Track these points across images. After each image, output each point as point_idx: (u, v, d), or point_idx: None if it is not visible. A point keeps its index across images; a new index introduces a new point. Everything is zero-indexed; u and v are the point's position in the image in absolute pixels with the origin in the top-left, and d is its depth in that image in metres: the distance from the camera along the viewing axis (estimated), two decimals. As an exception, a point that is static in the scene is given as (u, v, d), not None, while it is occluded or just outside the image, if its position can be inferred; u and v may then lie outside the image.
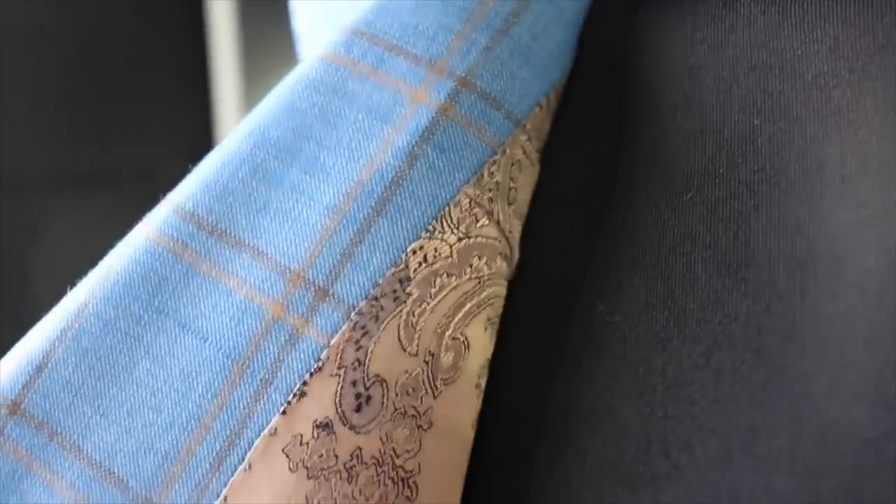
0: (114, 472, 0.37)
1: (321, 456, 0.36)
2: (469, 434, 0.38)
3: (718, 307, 0.36)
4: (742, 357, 0.34)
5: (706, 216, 0.37)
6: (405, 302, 0.37)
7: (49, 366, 0.38)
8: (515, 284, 0.41)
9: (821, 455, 0.31)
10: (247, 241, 0.38)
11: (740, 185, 0.37)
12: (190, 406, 0.37)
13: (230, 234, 0.38)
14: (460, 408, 0.38)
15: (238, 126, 0.41)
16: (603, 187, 0.41)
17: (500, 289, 0.39)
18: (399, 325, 0.37)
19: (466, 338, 0.38)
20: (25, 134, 0.57)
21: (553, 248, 0.41)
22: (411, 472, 0.37)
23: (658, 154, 0.40)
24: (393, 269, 0.37)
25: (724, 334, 0.35)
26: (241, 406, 0.37)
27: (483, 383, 0.39)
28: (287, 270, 0.37)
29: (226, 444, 0.36)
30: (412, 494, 0.36)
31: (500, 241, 0.39)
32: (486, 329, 0.39)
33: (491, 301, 0.39)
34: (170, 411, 0.37)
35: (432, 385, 0.37)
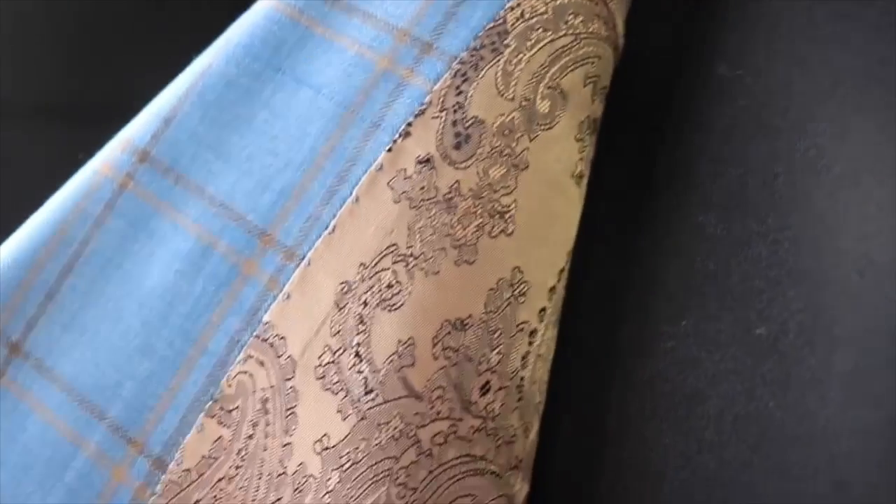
0: (233, 209, 0.40)
1: (423, 188, 0.38)
2: (569, 185, 0.40)
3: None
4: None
5: None
6: (503, 52, 0.39)
7: (176, 119, 0.41)
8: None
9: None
10: (358, 7, 0.41)
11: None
12: (304, 149, 0.40)
13: (343, 0, 0.41)
14: (557, 155, 0.39)
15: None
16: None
17: (599, 50, 0.41)
18: (497, 73, 0.39)
19: (563, 90, 0.40)
20: (36, 63, 0.62)
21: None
22: (507, 207, 0.38)
23: None
24: (492, 24, 0.40)
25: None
26: (351, 147, 0.39)
27: (587, 140, 0.40)
28: (395, 29, 0.40)
29: (336, 180, 0.39)
30: (507, 228, 0.38)
31: (597, 5, 0.41)
32: (585, 85, 0.40)
33: (589, 59, 0.40)
34: (285, 155, 0.40)
35: (528, 129, 0.39)
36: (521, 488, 0.39)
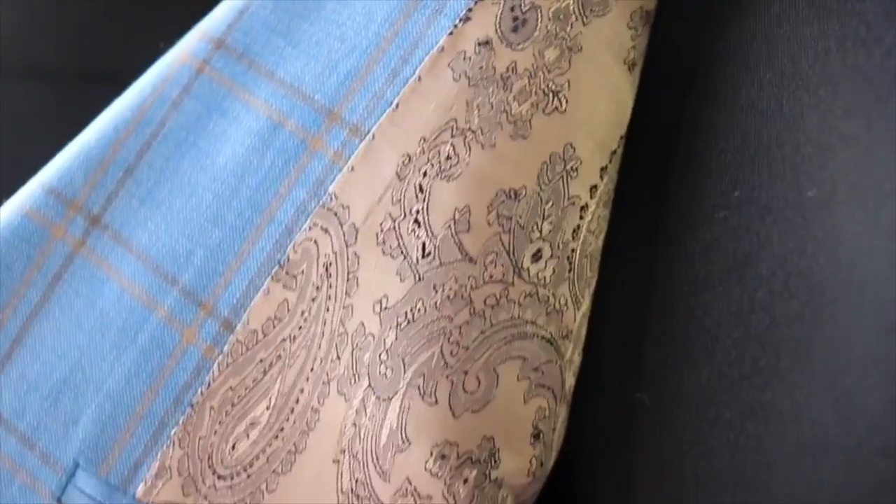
0: (302, 90, 0.42)
1: (481, 68, 0.40)
2: (621, 71, 0.41)
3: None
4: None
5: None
6: None
7: (250, 10, 0.44)
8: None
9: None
10: None
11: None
12: (370, 35, 0.42)
13: None
14: (609, 41, 0.41)
15: None
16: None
17: None
18: None
19: None
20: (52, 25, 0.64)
21: None
22: (560, 86, 0.40)
23: None
24: None
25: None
26: (414, 32, 0.41)
27: (640, 30, 0.41)
28: None
29: (399, 62, 0.41)
30: (561, 106, 0.40)
31: None
32: None
33: None
34: (352, 40, 0.42)
35: (582, 14, 0.41)
36: (573, 359, 0.40)
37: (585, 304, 0.40)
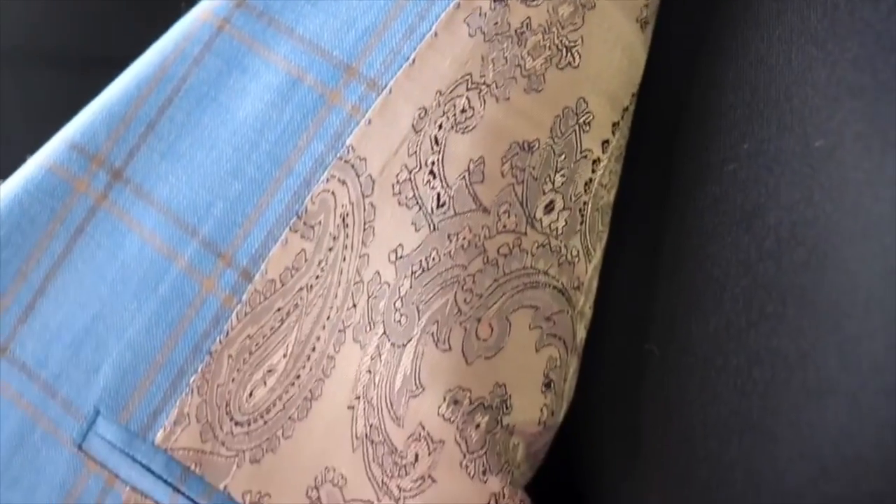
0: (320, 46, 0.43)
1: (496, 23, 0.41)
2: (634, 28, 0.42)
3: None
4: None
5: None
6: None
7: None
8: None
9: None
10: None
11: None
12: None
13: None
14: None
15: None
16: None
17: None
18: None
19: None
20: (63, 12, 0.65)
21: None
22: (574, 42, 0.41)
23: None
24: None
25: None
26: None
27: None
28: None
29: (416, 18, 0.42)
30: (574, 61, 0.41)
31: None
32: None
33: None
34: (371, -3, 0.43)
35: None
36: (584, 311, 0.41)
37: (597, 257, 0.41)
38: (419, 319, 0.38)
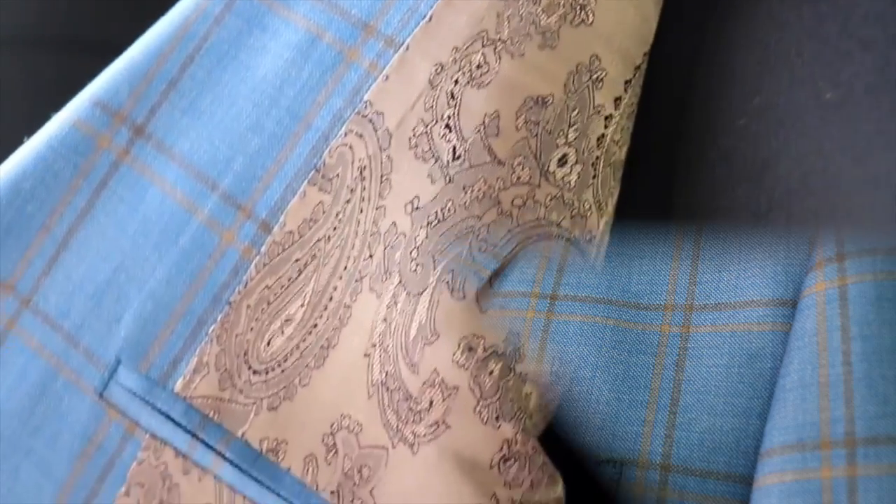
0: (339, 5, 0.44)
1: None
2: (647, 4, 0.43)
3: None
4: None
5: None
6: None
7: None
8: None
9: None
10: None
11: None
12: None
13: None
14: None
15: None
16: None
17: None
18: None
19: None
20: None
21: None
22: (588, 0, 0.42)
23: None
24: None
25: None
26: None
27: None
28: None
29: None
30: (588, 18, 0.41)
31: None
32: None
33: None
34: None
35: None
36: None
37: (608, 212, 0.42)
38: (435, 269, 0.39)
